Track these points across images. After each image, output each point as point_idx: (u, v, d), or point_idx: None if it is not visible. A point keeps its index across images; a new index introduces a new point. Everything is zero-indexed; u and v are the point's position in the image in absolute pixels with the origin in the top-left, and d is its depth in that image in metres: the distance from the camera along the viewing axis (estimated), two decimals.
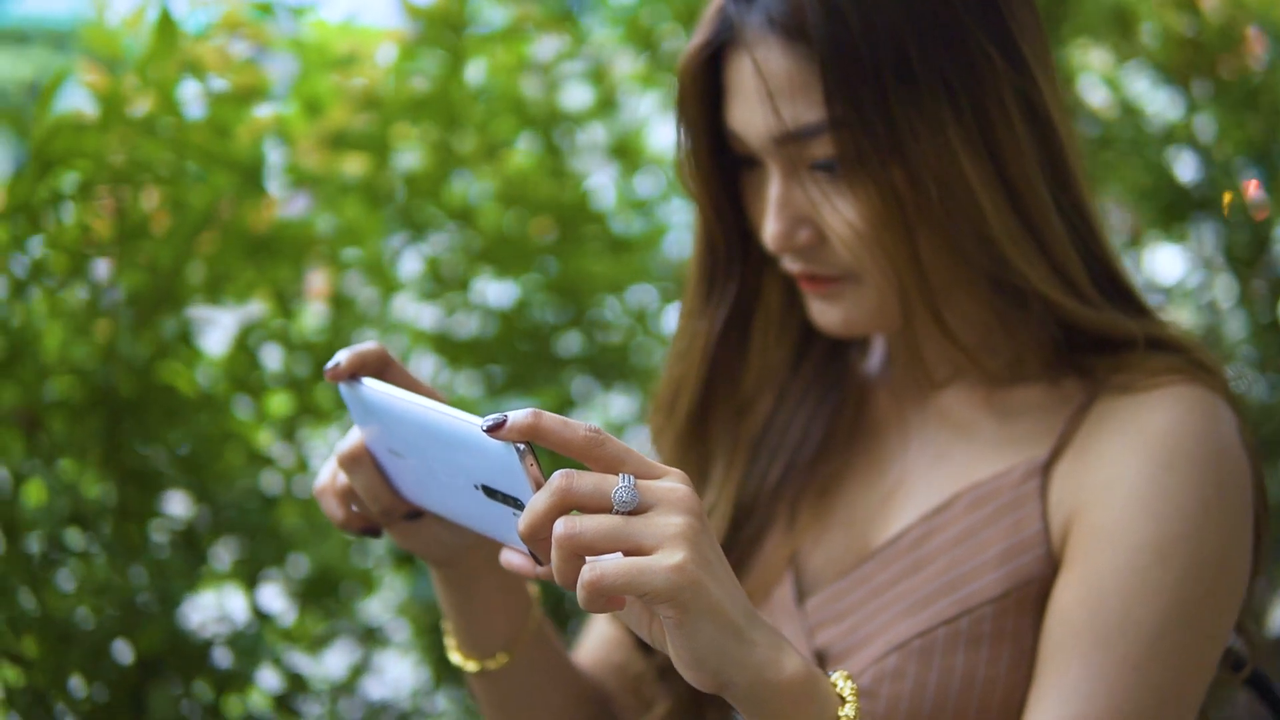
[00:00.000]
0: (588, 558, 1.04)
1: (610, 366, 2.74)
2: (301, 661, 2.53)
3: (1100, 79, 3.47)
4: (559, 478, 1.04)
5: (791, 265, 1.41)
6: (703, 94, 1.40)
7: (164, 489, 2.31)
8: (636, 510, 1.04)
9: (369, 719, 2.60)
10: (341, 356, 1.25)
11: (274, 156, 2.37)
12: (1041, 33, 1.37)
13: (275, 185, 2.39)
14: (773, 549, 1.49)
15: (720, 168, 1.43)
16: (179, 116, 2.16)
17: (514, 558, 1.23)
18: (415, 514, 1.32)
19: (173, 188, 2.18)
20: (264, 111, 2.28)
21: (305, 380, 2.43)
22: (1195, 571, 1.28)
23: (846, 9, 1.28)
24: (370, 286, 2.56)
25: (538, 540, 1.05)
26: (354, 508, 1.34)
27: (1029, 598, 1.33)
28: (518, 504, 1.11)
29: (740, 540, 1.51)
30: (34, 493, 2.20)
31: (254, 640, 2.27)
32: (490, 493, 1.15)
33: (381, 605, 2.75)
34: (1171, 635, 1.27)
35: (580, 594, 1.02)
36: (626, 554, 1.03)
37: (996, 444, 1.41)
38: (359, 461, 1.29)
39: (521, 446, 1.06)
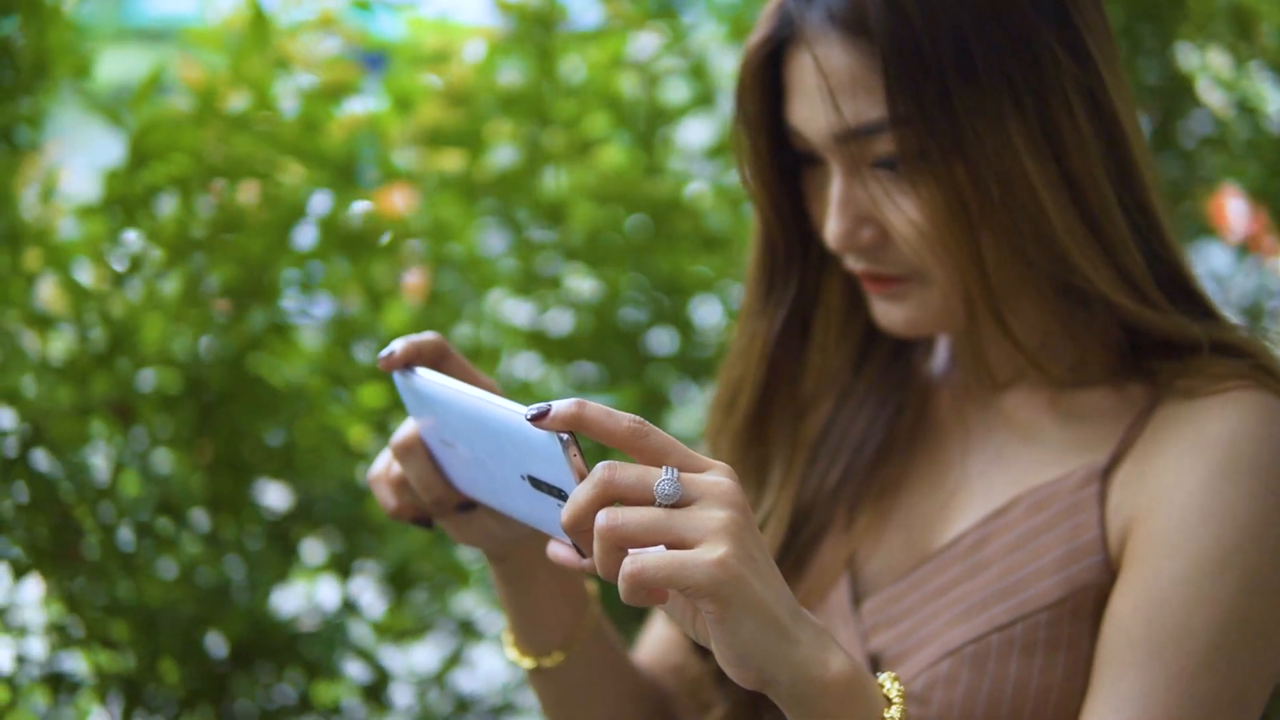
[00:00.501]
0: (630, 550, 1.03)
1: (704, 365, 2.73)
2: (393, 654, 2.56)
3: (1218, 79, 3.41)
4: (602, 469, 1.04)
5: (854, 265, 1.39)
6: (763, 91, 1.38)
7: (256, 480, 2.34)
8: (679, 503, 1.03)
9: (458, 712, 2.62)
10: (396, 345, 1.26)
11: (368, 152, 2.40)
12: (1107, 28, 1.34)
13: (369, 181, 2.41)
14: (830, 551, 1.47)
15: (780, 166, 1.42)
16: (272, 112, 2.19)
17: (560, 550, 1.23)
18: (468, 505, 1.33)
19: (265, 182, 2.20)
20: (356, 108, 2.30)
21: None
22: (1254, 582, 1.25)
23: (908, 4, 1.27)
24: (464, 283, 2.58)
25: (580, 532, 1.05)
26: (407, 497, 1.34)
27: (1086, 604, 1.31)
28: (562, 495, 1.11)
29: (798, 542, 1.49)
30: (129, 483, 2.24)
31: (336, 631, 2.29)
32: (536, 484, 1.15)
33: (476, 598, 2.77)
34: (1229, 646, 1.24)
35: (621, 586, 1.02)
36: (669, 547, 1.02)
37: (1059, 448, 1.39)
38: (412, 451, 1.30)
39: (565, 436, 1.05)
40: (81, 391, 2.18)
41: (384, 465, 1.35)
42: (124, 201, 2.15)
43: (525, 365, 2.69)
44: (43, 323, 2.34)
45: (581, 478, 1.06)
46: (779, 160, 1.42)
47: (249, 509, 2.35)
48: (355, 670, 2.42)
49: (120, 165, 2.19)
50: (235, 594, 2.30)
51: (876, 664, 1.40)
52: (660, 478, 1.03)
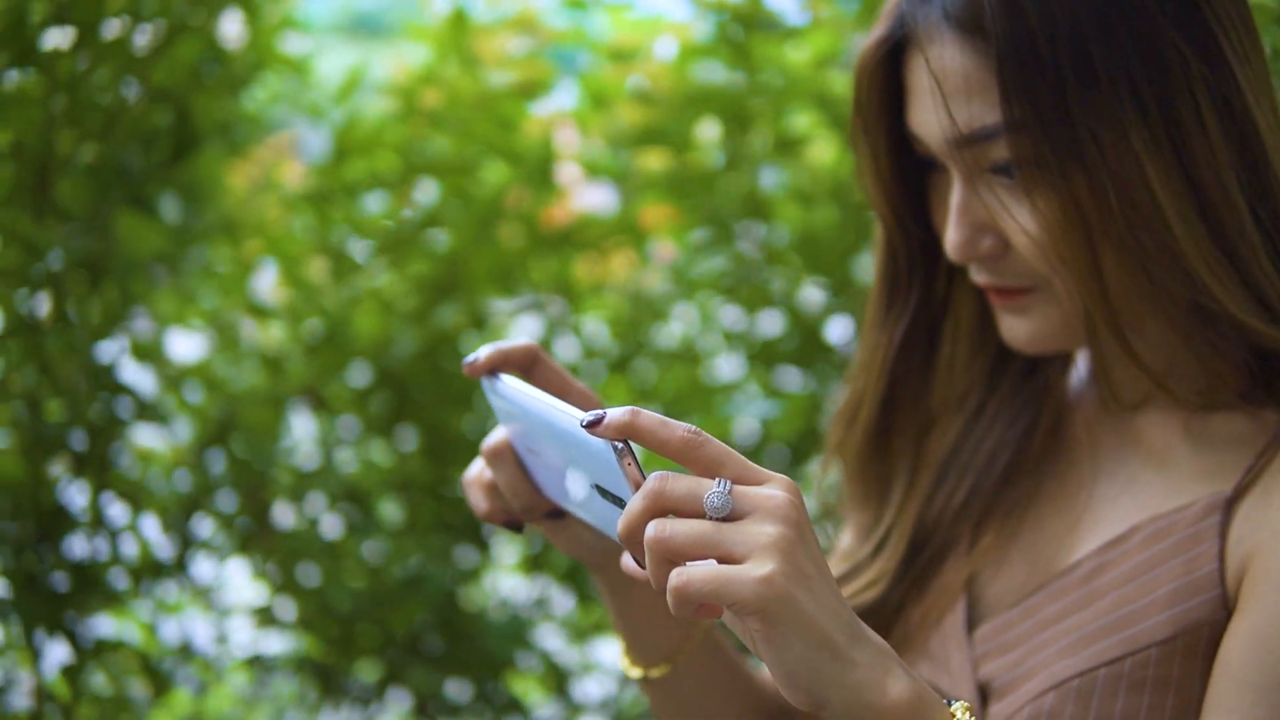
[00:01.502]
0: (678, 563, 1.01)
1: None
2: (585, 649, 2.58)
3: None
4: (654, 479, 1.01)
5: (977, 276, 1.32)
6: (881, 94, 1.33)
7: (451, 472, 2.38)
8: (730, 516, 1.00)
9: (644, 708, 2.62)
10: (483, 351, 1.25)
11: (568, 150, 2.41)
12: (1247, 25, 1.24)
13: (569, 178, 2.43)
14: (951, 573, 1.41)
15: (903, 172, 1.36)
16: (468, 110, 2.22)
17: (629, 561, 1.20)
18: (557, 513, 1.31)
19: (463, 180, 2.24)
20: (551, 106, 2.32)
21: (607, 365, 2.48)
22: None
23: (1026, 2, 1.19)
24: (670, 283, 2.58)
25: (634, 543, 1.02)
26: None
27: (1198, 643, 1.22)
28: (622, 504, 1.09)
29: (919, 562, 1.43)
30: (325, 470, 2.30)
31: (520, 625, 2.31)
32: (603, 493, 1.13)
33: None
34: None
35: (669, 599, 0.99)
36: (719, 561, 0.99)
37: (1189, 474, 1.30)
38: (501, 456, 1.29)
39: (619, 445, 1.03)
40: (278, 380, 2.24)
41: (477, 469, 1.34)
42: (326, 197, 2.20)
43: (731, 368, 2.67)
44: (261, 313, 2.42)
45: (636, 488, 1.04)
46: (903, 166, 1.36)
47: (447, 501, 2.39)
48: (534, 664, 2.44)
49: (324, 161, 2.25)
50: (428, 585, 2.34)
51: (985, 693, 1.33)
52: (711, 490, 1.00)
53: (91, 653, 2.31)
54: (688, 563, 1.00)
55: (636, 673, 1.43)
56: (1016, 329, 1.32)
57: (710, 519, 1.00)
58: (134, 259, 2.25)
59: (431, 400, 2.33)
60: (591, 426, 1.03)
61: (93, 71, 2.19)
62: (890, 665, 1.02)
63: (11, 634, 2.28)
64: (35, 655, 2.25)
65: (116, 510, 2.31)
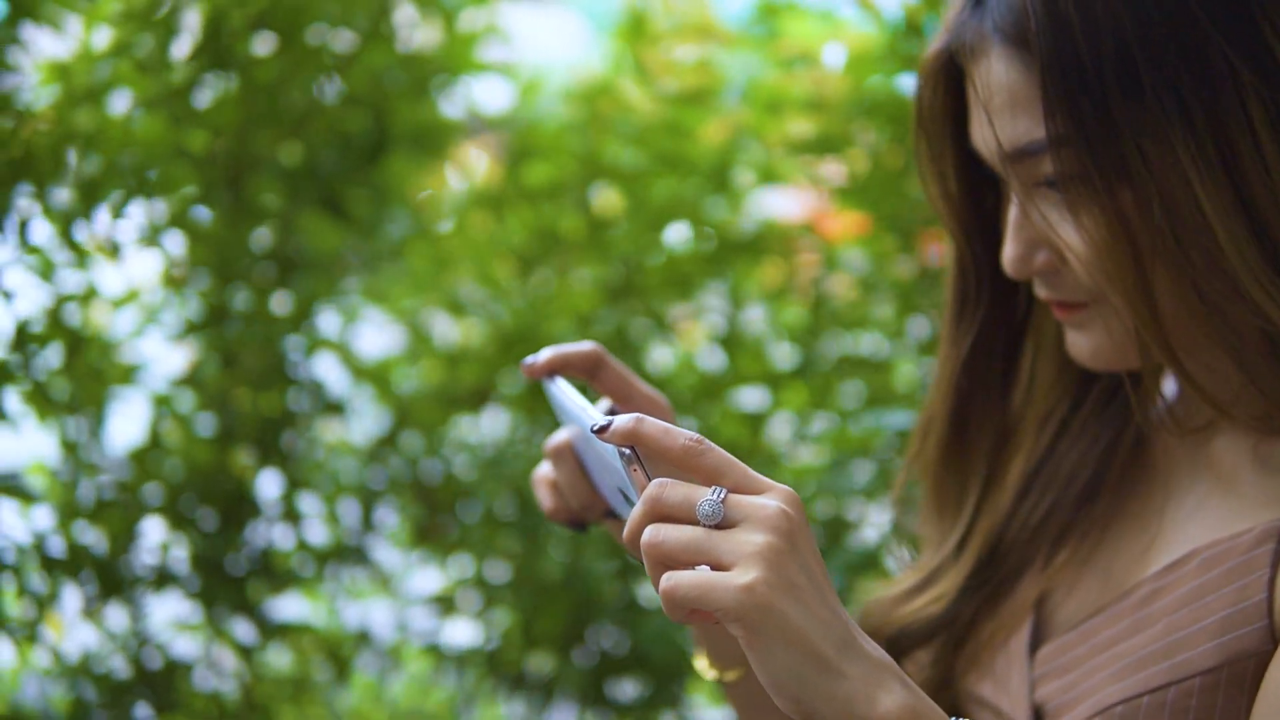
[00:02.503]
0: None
1: None
2: None
3: None
4: (653, 486, 1.03)
5: (1040, 291, 1.30)
6: (942, 105, 1.31)
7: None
8: (723, 524, 1.01)
9: None
10: (543, 354, 1.28)
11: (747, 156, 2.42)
12: None
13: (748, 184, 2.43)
14: (1025, 592, 1.39)
15: (974, 187, 1.35)
16: (644, 116, 2.25)
17: None
18: (612, 513, 1.34)
19: (635, 185, 2.27)
20: (726, 111, 2.33)
21: (782, 375, 2.48)
22: None
23: (1070, 14, 1.16)
24: (856, 289, 2.57)
25: (636, 547, 1.04)
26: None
27: (1244, 674, 1.18)
28: None
29: (995, 578, 1.41)
30: (486, 468, 2.36)
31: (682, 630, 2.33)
32: (625, 496, 1.16)
33: None
34: None
35: (662, 603, 1.01)
36: (710, 567, 1.00)
37: (1254, 500, 1.26)
38: (561, 456, 1.33)
39: (626, 451, 1.05)
40: (452, 377, 2.31)
41: (546, 468, 1.37)
42: (498, 200, 2.25)
43: (918, 373, 2.65)
44: (459, 309, 2.49)
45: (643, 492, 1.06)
46: (975, 182, 1.34)
47: None
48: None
49: (502, 166, 2.30)
50: (603, 582, 2.38)
51: (1039, 715, 1.31)
52: (705, 497, 1.02)
53: (273, 634, 2.41)
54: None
55: (713, 674, 1.44)
56: (1079, 344, 1.30)
57: (703, 526, 1.01)
58: (320, 257, 2.33)
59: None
60: (599, 432, 1.06)
61: (291, 76, 2.28)
62: (884, 678, 1.02)
63: (198, 616, 2.39)
64: (220, 636, 2.36)
65: (299, 498, 2.41)
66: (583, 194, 2.33)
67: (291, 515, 2.39)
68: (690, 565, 1.01)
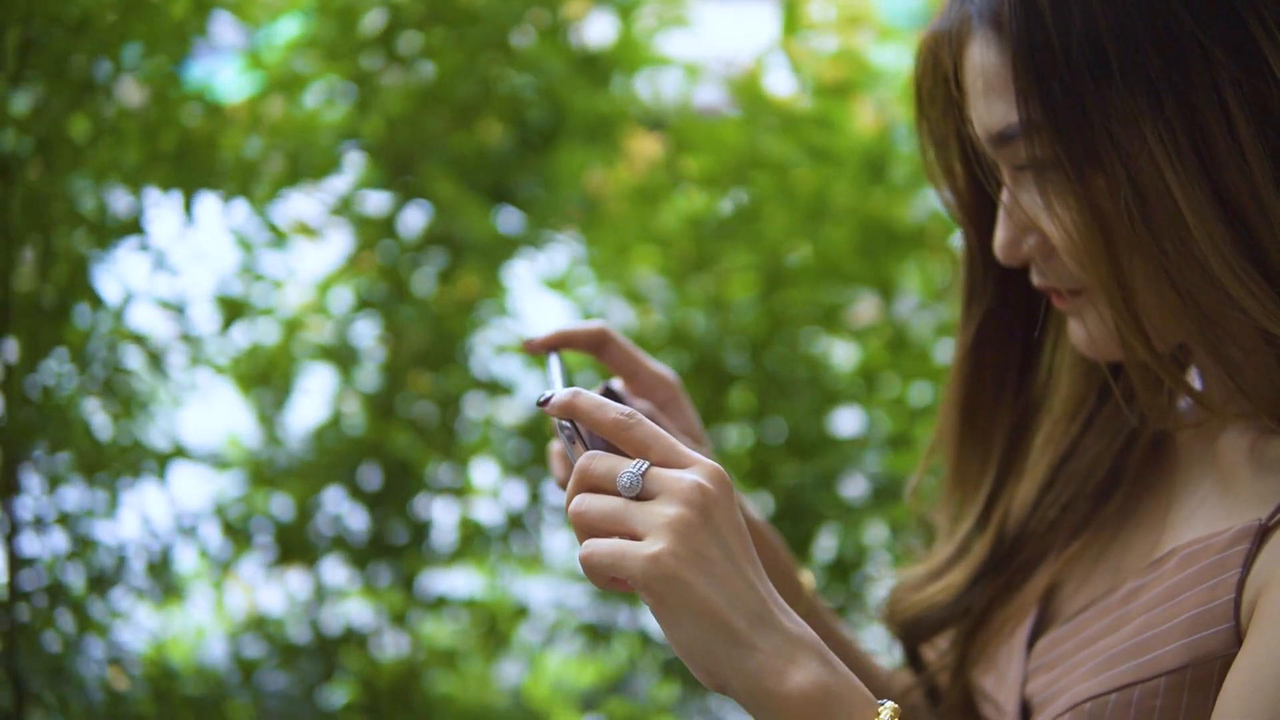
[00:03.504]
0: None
1: None
2: None
3: None
4: (583, 458, 1.06)
5: (1035, 278, 1.26)
6: (942, 92, 1.27)
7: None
8: (641, 496, 1.04)
9: None
10: (545, 331, 1.32)
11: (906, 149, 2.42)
12: None
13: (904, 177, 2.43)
14: (1037, 582, 1.37)
15: (975, 173, 1.28)
16: (794, 107, 2.28)
17: None
18: None
19: (784, 176, 2.29)
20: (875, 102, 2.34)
21: (941, 370, 2.48)
22: None
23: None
24: None
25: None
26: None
27: (1209, 677, 1.15)
28: None
29: (1008, 568, 1.39)
30: None
31: None
32: None
33: None
34: None
35: (583, 570, 1.04)
36: (626, 538, 1.03)
37: (1246, 498, 1.21)
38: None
39: (566, 425, 1.08)
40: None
41: (557, 442, 1.40)
42: (652, 192, 2.31)
43: None
44: (637, 298, 2.56)
45: None
46: (976, 168, 1.28)
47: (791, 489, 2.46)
48: None
49: (659, 158, 2.36)
50: None
51: (1027, 709, 1.30)
52: (625, 469, 1.04)
53: (435, 606, 2.51)
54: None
55: None
56: (1077, 334, 1.26)
57: (624, 497, 1.04)
58: (491, 242, 2.42)
59: (759, 394, 2.40)
60: (542, 405, 1.09)
61: (463, 68, 2.38)
62: (798, 654, 1.03)
63: (364, 586, 2.50)
64: (393, 605, 2.46)
65: (465, 475, 2.50)
66: (737, 185, 2.36)
67: (458, 491, 2.48)
68: (610, 535, 1.04)
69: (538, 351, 1.34)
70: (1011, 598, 1.39)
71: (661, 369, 1.39)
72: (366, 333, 2.51)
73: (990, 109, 1.19)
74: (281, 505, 2.55)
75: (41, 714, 2.42)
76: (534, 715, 2.62)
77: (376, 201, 2.47)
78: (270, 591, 2.62)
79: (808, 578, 1.48)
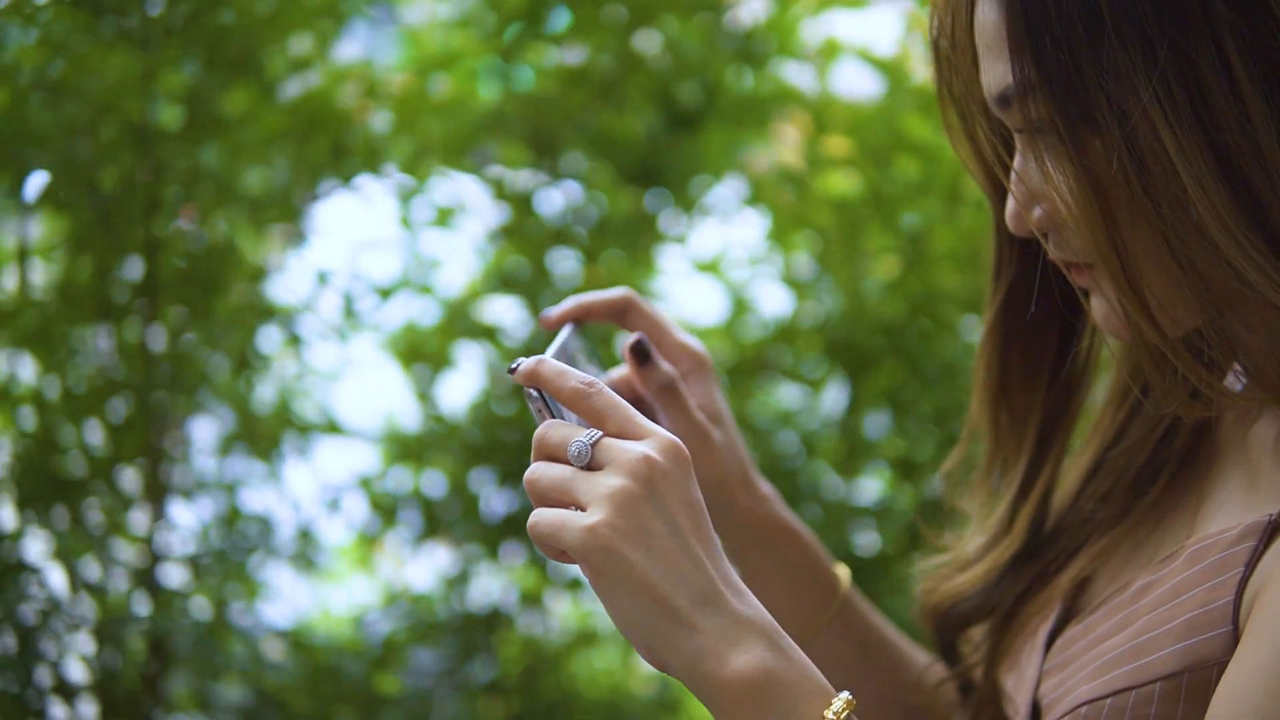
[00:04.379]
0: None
1: None
2: None
3: None
4: (541, 427, 1.05)
5: (1050, 251, 1.16)
6: (955, 50, 1.17)
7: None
8: (590, 466, 1.02)
9: None
10: (567, 303, 1.30)
11: None
12: None
13: None
14: (1068, 575, 1.28)
15: (993, 135, 1.20)
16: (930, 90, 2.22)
17: None
18: None
19: (925, 157, 2.24)
20: None
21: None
22: None
23: None
24: None
25: None
26: None
27: (1204, 683, 1.07)
28: None
29: (1044, 558, 1.30)
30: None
31: None
32: None
33: None
34: None
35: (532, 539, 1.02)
36: (574, 508, 1.01)
37: (1267, 493, 1.12)
38: None
39: (533, 393, 1.07)
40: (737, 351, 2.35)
41: None
42: (796, 175, 2.28)
43: None
44: (797, 286, 2.53)
45: None
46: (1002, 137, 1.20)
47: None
48: None
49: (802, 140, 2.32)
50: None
51: (1036, 710, 1.23)
52: (576, 438, 1.02)
53: (569, 585, 2.51)
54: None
55: None
56: (1096, 310, 1.17)
57: (574, 467, 1.02)
58: (634, 222, 2.41)
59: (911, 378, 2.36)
60: (511, 373, 1.08)
61: (609, 45, 2.37)
62: (743, 637, 0.99)
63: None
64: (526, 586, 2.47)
65: None
66: (881, 166, 2.31)
67: None
68: (558, 505, 1.02)
69: (554, 326, 1.31)
70: (1042, 591, 1.31)
71: (689, 340, 1.35)
72: (509, 313, 2.52)
73: (991, 70, 1.11)
74: (431, 481, 2.57)
75: (186, 679, 2.49)
76: (673, 699, 2.60)
77: (520, 180, 2.48)
78: (418, 567, 2.65)
79: (844, 572, 1.43)
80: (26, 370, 2.42)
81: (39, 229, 2.48)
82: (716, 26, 2.44)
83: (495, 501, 2.54)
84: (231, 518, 2.53)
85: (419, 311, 2.57)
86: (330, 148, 2.39)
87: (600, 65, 2.37)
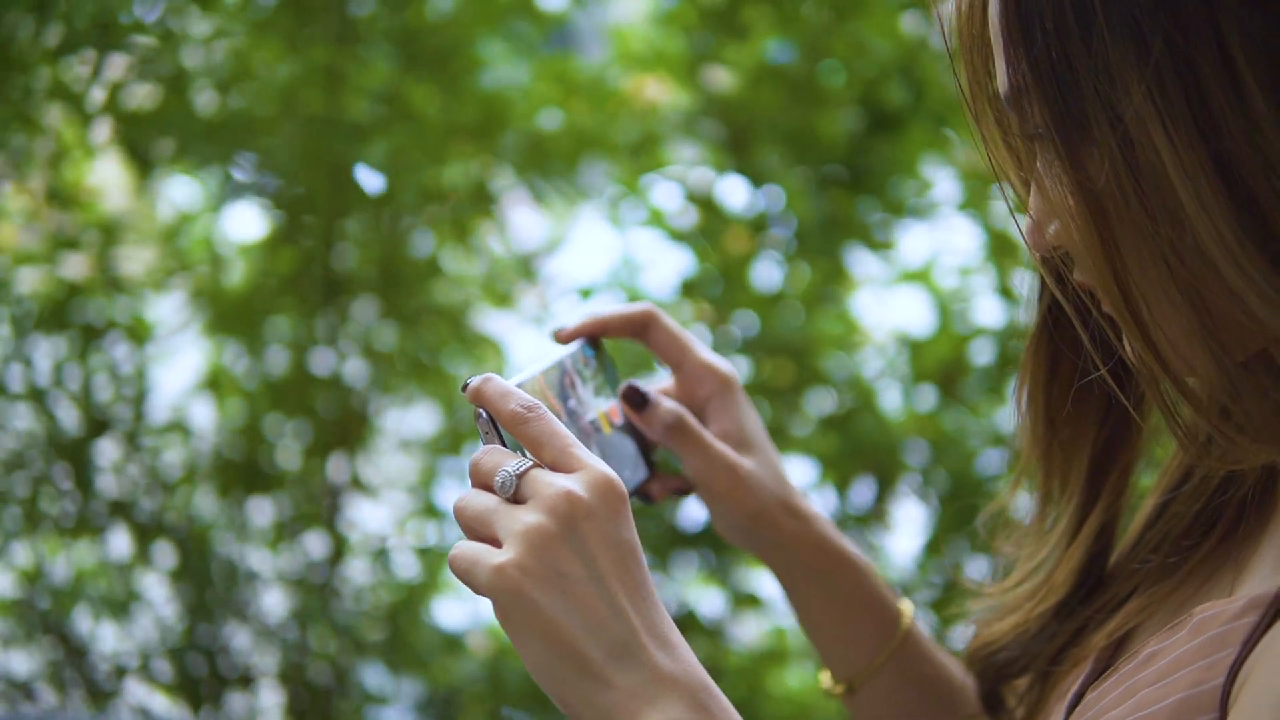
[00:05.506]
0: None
1: None
2: None
3: None
4: (476, 453, 0.98)
5: (1076, 274, 1.01)
6: (974, 52, 1.02)
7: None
8: (516, 498, 0.94)
9: None
10: (578, 319, 1.21)
11: None
12: None
13: None
14: (1107, 629, 1.13)
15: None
16: None
17: None
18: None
19: None
20: None
21: None
22: None
23: None
24: None
25: None
26: None
27: None
28: None
29: (1090, 608, 1.16)
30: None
31: None
32: None
33: None
34: None
35: None
36: (493, 542, 0.94)
37: None
38: None
39: (482, 413, 1.00)
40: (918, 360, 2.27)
41: None
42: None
43: None
44: (1009, 294, 2.44)
45: None
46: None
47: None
48: None
49: None
50: None
51: None
52: (503, 467, 0.95)
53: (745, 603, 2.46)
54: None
55: (825, 681, 1.30)
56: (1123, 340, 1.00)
57: (500, 498, 0.95)
58: (823, 228, 2.34)
59: None
60: (462, 390, 1.01)
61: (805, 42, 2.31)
62: (661, 696, 0.91)
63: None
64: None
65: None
66: None
67: None
68: (481, 538, 0.95)
69: (565, 341, 1.22)
70: (1080, 645, 1.17)
71: (714, 359, 1.25)
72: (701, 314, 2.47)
73: (998, 70, 0.98)
74: None
75: (375, 671, 2.52)
76: None
77: (712, 183, 2.43)
78: None
79: (908, 607, 1.32)
80: (230, 361, 2.48)
81: (246, 220, 2.54)
82: (923, 23, 2.34)
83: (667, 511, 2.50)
84: (425, 512, 2.55)
85: None
86: (529, 145, 2.38)
87: (800, 64, 2.30)
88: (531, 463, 0.95)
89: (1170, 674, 0.96)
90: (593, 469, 0.95)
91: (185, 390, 2.52)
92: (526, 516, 0.92)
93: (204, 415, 2.53)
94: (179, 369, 2.56)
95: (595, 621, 0.91)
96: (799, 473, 2.39)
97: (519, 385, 1.06)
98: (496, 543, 0.93)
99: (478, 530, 0.95)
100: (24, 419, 2.49)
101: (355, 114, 2.28)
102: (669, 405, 1.20)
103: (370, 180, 2.32)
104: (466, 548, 0.94)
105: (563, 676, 0.92)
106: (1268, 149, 0.88)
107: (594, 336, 1.22)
